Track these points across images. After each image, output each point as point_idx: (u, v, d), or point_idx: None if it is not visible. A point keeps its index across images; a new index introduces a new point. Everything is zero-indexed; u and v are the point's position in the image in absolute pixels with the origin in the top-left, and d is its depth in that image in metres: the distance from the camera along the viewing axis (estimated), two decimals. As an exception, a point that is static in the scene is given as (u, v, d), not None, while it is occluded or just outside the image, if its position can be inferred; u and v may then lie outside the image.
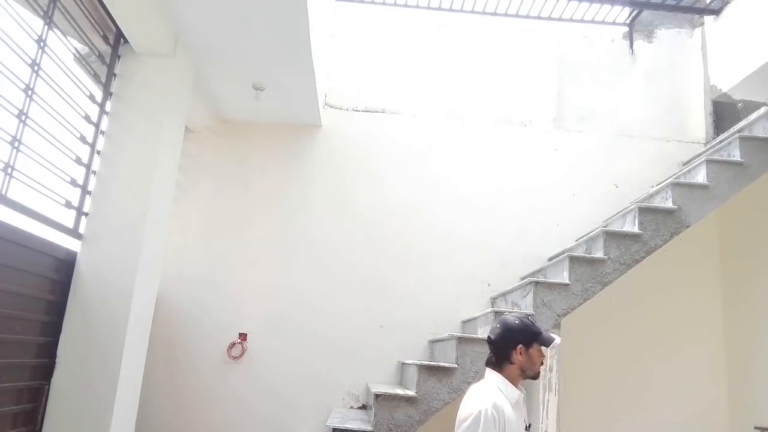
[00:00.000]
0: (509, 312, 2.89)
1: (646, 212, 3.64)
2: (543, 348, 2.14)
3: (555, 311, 3.47)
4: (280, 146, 4.77)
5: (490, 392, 2.07)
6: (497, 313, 3.46)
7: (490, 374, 2.17)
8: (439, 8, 5.04)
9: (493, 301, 4.45)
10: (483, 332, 3.64)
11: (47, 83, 2.78)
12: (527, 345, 2.12)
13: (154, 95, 3.39)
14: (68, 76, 2.95)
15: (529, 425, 2.16)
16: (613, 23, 5.16)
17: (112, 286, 3.08)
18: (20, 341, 2.72)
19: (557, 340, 2.13)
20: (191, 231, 4.56)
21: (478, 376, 3.34)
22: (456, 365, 3.36)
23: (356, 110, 4.89)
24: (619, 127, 4.98)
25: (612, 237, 3.60)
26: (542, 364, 2.16)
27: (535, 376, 2.16)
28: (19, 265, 2.66)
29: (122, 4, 3.07)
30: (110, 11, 3.11)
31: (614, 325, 4.48)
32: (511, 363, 2.12)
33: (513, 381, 2.13)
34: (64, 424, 2.91)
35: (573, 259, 3.56)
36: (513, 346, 2.12)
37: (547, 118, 4.98)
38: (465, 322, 4.33)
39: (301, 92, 4.21)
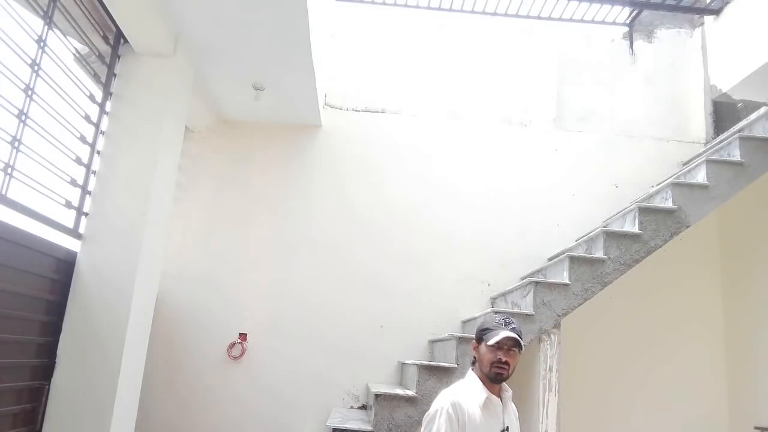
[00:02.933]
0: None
1: (646, 212, 3.64)
2: (494, 348, 2.04)
3: (555, 311, 3.47)
4: (280, 146, 4.77)
5: (456, 391, 2.08)
6: (497, 314, 3.46)
7: (469, 372, 2.18)
8: (439, 8, 5.04)
9: (493, 301, 4.45)
10: (483, 332, 3.64)
11: (47, 83, 2.78)
12: (479, 342, 2.13)
13: (154, 95, 3.39)
14: (68, 76, 2.95)
15: (507, 428, 2.08)
16: (613, 23, 5.17)
17: (112, 286, 3.08)
18: (20, 341, 2.73)
19: (499, 336, 2.02)
20: (191, 231, 4.56)
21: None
22: (456, 365, 3.36)
23: (356, 110, 4.89)
24: (619, 127, 4.98)
25: (612, 237, 3.61)
26: (499, 365, 2.03)
27: (490, 376, 2.05)
28: (19, 265, 2.66)
29: (122, 4, 3.07)
30: (110, 11, 3.11)
31: (614, 325, 4.48)
32: (475, 360, 2.15)
33: (484, 380, 2.09)
34: (64, 424, 2.91)
35: (573, 259, 3.56)
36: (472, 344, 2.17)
37: (547, 118, 4.98)
38: (465, 322, 4.33)
39: (301, 92, 4.21)
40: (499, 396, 2.11)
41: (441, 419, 1.94)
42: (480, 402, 2.02)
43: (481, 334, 2.12)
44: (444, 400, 2.01)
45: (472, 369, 2.16)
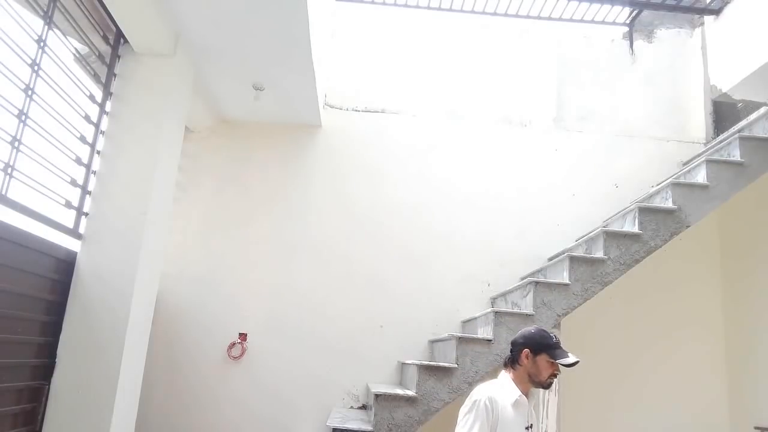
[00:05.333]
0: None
1: (646, 212, 3.64)
2: (556, 363, 2.27)
3: (555, 311, 3.47)
4: (280, 146, 4.77)
5: (491, 387, 2.26)
6: (497, 313, 3.47)
7: (502, 373, 2.38)
8: (439, 8, 5.04)
9: (493, 301, 4.45)
10: (483, 332, 3.64)
11: (47, 83, 2.78)
12: (535, 352, 2.28)
13: (154, 95, 3.39)
14: (68, 76, 2.95)
15: (531, 425, 2.28)
16: (613, 23, 5.16)
17: (112, 286, 3.08)
18: (20, 341, 2.72)
19: (570, 359, 2.24)
20: (191, 231, 4.56)
21: (479, 375, 3.34)
22: (456, 365, 3.36)
23: (356, 110, 4.89)
24: (619, 127, 4.98)
25: (612, 237, 3.60)
26: (553, 376, 2.29)
27: (543, 385, 2.30)
28: (19, 265, 2.66)
29: (122, 4, 3.07)
30: (110, 11, 3.11)
31: (614, 325, 4.48)
32: (519, 365, 2.31)
33: (521, 383, 2.29)
34: (64, 424, 2.91)
35: (573, 259, 3.56)
36: (521, 349, 2.31)
37: (547, 118, 4.98)
38: (465, 322, 4.33)
39: (301, 92, 4.21)
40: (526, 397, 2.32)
41: (478, 410, 2.14)
42: (512, 400, 2.22)
43: (544, 348, 2.28)
44: (481, 393, 2.20)
45: (508, 371, 2.35)
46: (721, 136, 4.49)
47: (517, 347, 2.33)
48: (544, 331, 2.36)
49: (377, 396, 3.31)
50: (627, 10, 5.08)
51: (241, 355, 4.32)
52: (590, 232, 4.16)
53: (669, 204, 3.67)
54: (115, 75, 3.41)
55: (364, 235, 4.60)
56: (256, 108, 4.47)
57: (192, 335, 4.36)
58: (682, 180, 3.83)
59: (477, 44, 5.09)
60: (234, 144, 4.76)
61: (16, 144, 2.57)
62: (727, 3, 4.74)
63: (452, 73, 5.03)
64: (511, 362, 2.34)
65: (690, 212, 3.63)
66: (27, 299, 2.76)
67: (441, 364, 3.46)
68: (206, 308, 4.41)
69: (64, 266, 3.05)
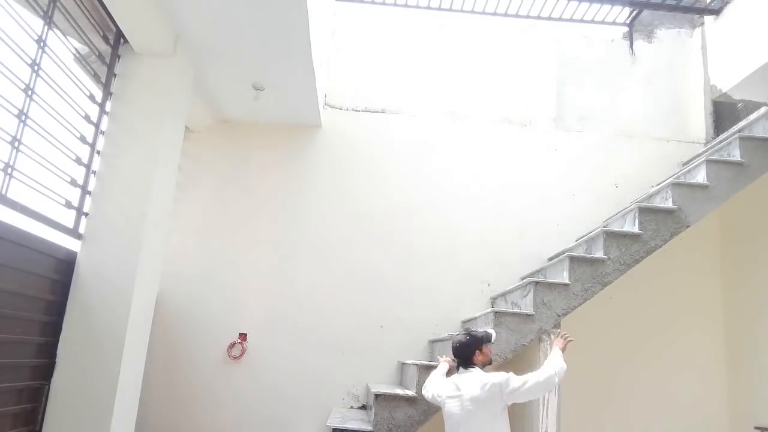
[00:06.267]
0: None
1: (646, 212, 3.64)
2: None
3: (555, 311, 3.47)
4: (280, 146, 4.77)
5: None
6: (497, 313, 3.47)
7: (476, 369, 2.85)
8: (439, 8, 5.05)
9: (493, 301, 4.45)
10: (483, 332, 3.64)
11: (47, 83, 2.78)
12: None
13: (154, 95, 3.40)
14: (68, 76, 2.96)
15: None
16: (613, 23, 5.17)
17: (112, 286, 3.08)
18: (20, 341, 2.73)
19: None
20: (191, 231, 4.56)
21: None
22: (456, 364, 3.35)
23: (356, 110, 4.89)
24: (619, 127, 4.98)
25: (612, 237, 3.60)
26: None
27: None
28: (19, 265, 2.66)
29: (122, 4, 3.07)
30: (110, 11, 3.11)
31: (614, 325, 4.48)
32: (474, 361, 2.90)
33: None
34: (64, 424, 2.92)
35: (573, 259, 3.56)
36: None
37: (547, 118, 4.98)
38: (465, 322, 4.32)
39: (301, 92, 4.21)
40: None
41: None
42: None
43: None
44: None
45: (481, 366, 2.85)
46: (721, 136, 4.49)
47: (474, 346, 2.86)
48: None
49: (377, 396, 3.31)
50: (627, 10, 5.08)
51: (241, 355, 4.32)
52: (590, 232, 4.16)
53: (669, 204, 3.67)
54: (115, 75, 3.41)
55: (364, 234, 4.60)
56: (256, 108, 4.47)
57: (192, 335, 4.36)
58: (682, 180, 3.83)
59: (477, 44, 5.09)
60: (234, 144, 4.76)
61: (16, 144, 2.57)
62: (727, 3, 4.74)
63: (452, 73, 5.03)
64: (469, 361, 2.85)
65: (690, 212, 3.63)
66: (27, 299, 2.76)
67: (441, 364, 3.45)
68: (206, 308, 4.41)
69: (64, 266, 3.05)
